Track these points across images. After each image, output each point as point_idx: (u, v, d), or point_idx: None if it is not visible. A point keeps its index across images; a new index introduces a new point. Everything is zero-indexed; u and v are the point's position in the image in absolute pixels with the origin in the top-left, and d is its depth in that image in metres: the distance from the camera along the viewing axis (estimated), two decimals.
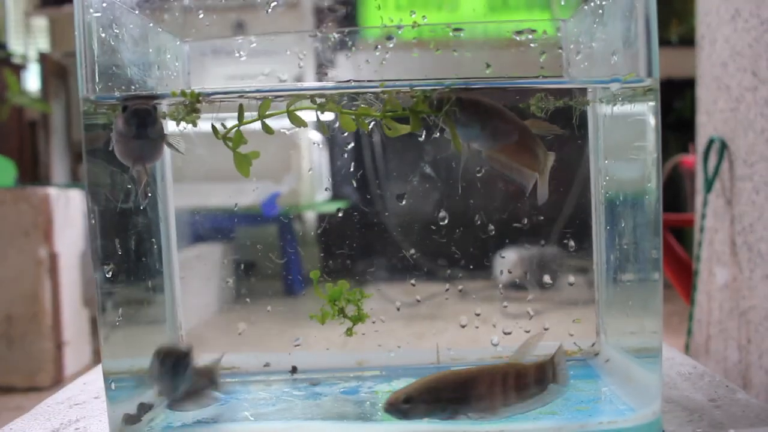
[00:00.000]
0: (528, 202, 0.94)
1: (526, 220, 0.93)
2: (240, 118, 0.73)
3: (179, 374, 0.77)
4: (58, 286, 2.44)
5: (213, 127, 0.72)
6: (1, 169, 2.68)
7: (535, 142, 0.75)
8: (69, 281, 2.52)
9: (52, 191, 2.45)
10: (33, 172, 3.62)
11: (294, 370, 0.95)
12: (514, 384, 0.74)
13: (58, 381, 2.41)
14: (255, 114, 0.77)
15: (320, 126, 0.79)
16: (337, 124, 0.85)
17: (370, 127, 0.88)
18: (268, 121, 0.76)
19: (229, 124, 1.00)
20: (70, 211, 2.55)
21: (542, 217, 0.93)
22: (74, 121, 3.83)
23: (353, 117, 0.75)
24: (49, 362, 2.41)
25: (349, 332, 0.86)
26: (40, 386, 2.37)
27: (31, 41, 4.16)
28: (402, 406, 0.72)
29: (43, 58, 3.72)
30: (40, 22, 4.11)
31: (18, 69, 3.61)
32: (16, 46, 4.04)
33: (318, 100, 0.75)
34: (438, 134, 0.91)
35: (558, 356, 0.75)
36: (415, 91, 0.72)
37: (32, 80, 3.81)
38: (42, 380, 2.39)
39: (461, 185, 0.89)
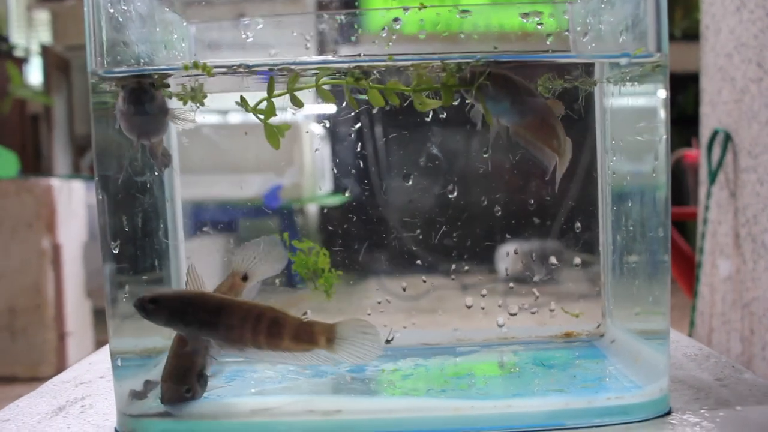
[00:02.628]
0: (534, 183, 0.94)
1: (532, 201, 0.93)
2: (270, 90, 0.73)
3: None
4: (61, 277, 2.44)
5: (242, 98, 0.72)
6: (4, 161, 2.69)
7: (558, 121, 0.76)
8: (72, 272, 2.52)
9: (55, 182, 2.45)
10: (35, 165, 3.62)
11: None
12: (266, 330, 0.72)
13: (60, 371, 2.41)
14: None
15: (350, 100, 0.79)
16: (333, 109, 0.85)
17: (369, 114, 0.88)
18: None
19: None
20: (72, 203, 2.55)
21: (548, 198, 0.93)
22: (76, 114, 3.84)
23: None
24: (52, 353, 2.42)
25: (328, 296, 0.86)
26: (43, 377, 2.37)
27: (33, 34, 4.17)
28: (147, 305, 0.72)
29: (46, 51, 3.72)
30: (43, 15, 4.12)
31: (20, 62, 3.62)
32: (18, 39, 4.04)
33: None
34: (444, 115, 0.91)
35: (344, 326, 0.72)
36: (447, 65, 0.73)
37: (34, 73, 3.82)
38: (45, 371, 2.39)
39: (489, 162, 0.89)
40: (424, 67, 0.74)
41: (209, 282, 0.78)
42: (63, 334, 2.45)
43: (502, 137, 0.75)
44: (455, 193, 0.94)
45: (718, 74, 1.70)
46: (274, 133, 0.75)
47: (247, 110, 0.73)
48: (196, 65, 0.73)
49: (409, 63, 0.74)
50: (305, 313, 0.74)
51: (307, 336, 0.72)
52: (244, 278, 0.79)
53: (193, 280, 0.76)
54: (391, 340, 0.91)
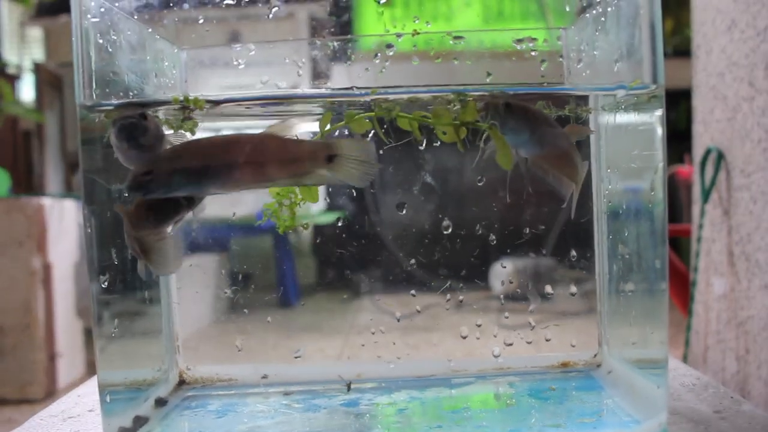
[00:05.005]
0: (529, 211, 0.93)
1: (528, 230, 0.92)
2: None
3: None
4: (52, 297, 2.42)
5: None
6: None
7: (575, 151, 0.76)
8: (62, 292, 2.49)
9: (46, 201, 2.43)
10: (27, 182, 3.60)
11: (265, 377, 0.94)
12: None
13: (50, 393, 2.38)
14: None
15: (377, 130, 0.78)
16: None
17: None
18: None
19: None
20: (64, 222, 2.53)
21: (544, 227, 0.92)
22: (68, 132, 3.82)
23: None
24: (42, 374, 2.38)
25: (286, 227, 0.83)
26: (33, 398, 2.34)
27: (26, 51, 4.15)
28: (143, 179, 0.70)
29: (38, 68, 3.70)
30: (36, 33, 4.10)
31: (13, 79, 3.60)
32: (11, 56, 4.02)
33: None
34: (438, 143, 0.90)
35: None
36: (461, 98, 0.72)
37: (27, 90, 3.80)
38: (34, 392, 2.35)
39: (508, 193, 0.88)
40: (437, 98, 0.73)
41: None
42: (53, 354, 2.42)
43: (520, 168, 0.74)
44: (450, 228, 0.93)
45: (710, 93, 1.71)
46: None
47: None
48: (186, 100, 0.71)
49: (428, 95, 0.74)
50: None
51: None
52: (329, 159, 0.72)
53: None
54: (350, 387, 0.90)
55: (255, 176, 0.71)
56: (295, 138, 0.72)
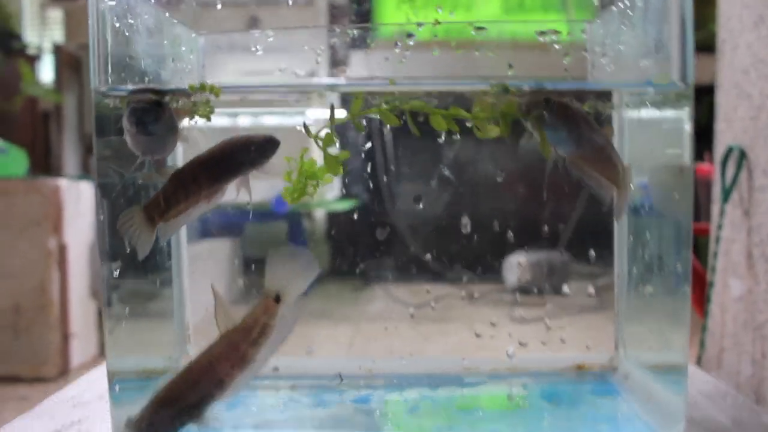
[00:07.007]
0: (547, 208, 0.92)
1: (546, 227, 0.91)
2: (331, 117, 0.71)
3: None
4: (67, 278, 2.43)
5: (305, 126, 0.71)
6: (14, 160, 2.68)
7: (615, 152, 0.73)
8: (77, 272, 2.51)
9: (63, 182, 2.45)
10: (45, 163, 3.62)
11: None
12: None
13: (63, 372, 2.40)
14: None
15: (411, 124, 0.76)
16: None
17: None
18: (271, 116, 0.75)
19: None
20: (80, 203, 2.54)
21: (562, 225, 0.90)
22: (87, 113, 3.84)
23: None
24: (56, 353, 2.41)
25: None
26: (46, 377, 2.36)
27: (46, 32, 4.17)
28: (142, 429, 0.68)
29: (58, 50, 3.72)
30: (56, 14, 4.12)
31: (32, 60, 3.62)
32: (31, 37, 4.04)
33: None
34: (458, 136, 0.89)
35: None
36: (498, 88, 0.70)
37: (46, 71, 3.82)
38: (48, 371, 2.38)
39: (545, 191, 0.86)
40: (484, 93, 0.71)
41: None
42: (67, 334, 2.44)
43: (558, 166, 0.72)
44: (468, 227, 0.91)
45: (734, 90, 1.67)
46: (334, 162, 0.73)
47: (310, 137, 0.72)
48: (203, 87, 0.70)
49: (469, 89, 0.72)
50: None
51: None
52: (277, 299, 0.73)
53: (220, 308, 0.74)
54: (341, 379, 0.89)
55: (237, 368, 0.72)
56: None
